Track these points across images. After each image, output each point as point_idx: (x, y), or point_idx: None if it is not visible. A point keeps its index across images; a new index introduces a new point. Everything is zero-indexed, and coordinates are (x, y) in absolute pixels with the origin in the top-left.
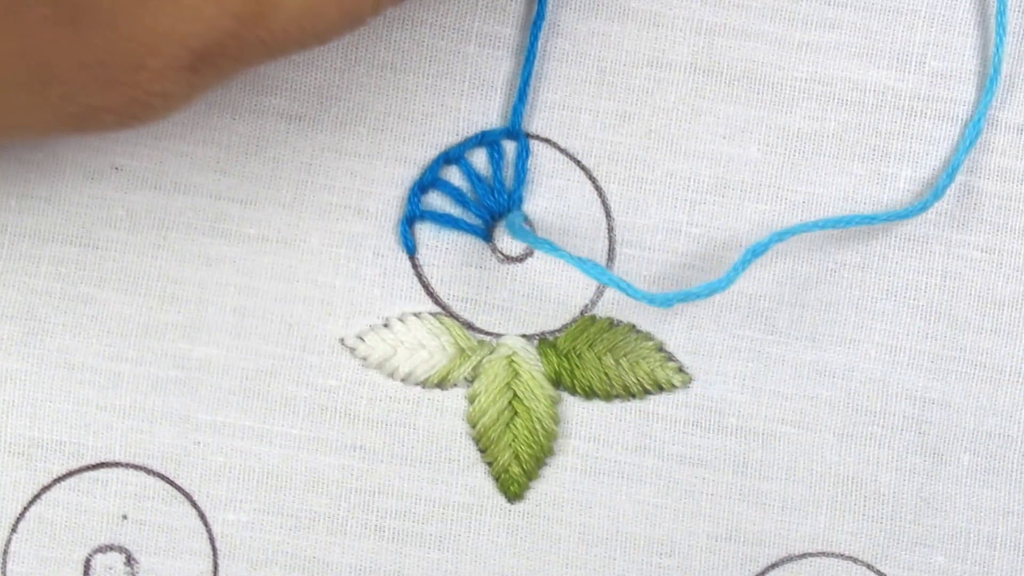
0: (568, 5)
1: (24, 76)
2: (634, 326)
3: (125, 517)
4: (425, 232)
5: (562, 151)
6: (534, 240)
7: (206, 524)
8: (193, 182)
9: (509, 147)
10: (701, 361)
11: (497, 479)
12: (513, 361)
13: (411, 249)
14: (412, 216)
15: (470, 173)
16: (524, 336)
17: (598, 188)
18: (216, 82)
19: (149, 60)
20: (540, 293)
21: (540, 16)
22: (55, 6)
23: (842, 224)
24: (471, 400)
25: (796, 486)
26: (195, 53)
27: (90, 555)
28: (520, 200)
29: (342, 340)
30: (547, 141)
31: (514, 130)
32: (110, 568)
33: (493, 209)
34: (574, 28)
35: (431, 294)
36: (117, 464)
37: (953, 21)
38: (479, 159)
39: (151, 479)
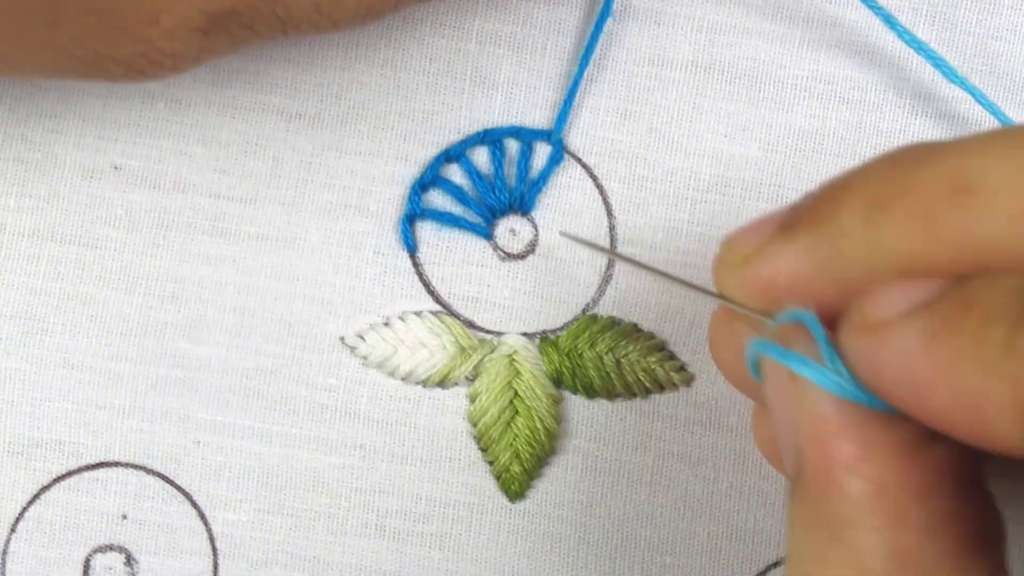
0: (570, 3)
1: (36, 13)
2: (636, 325)
3: (125, 517)
4: (426, 230)
5: (563, 149)
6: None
7: (206, 524)
8: (193, 181)
9: (511, 145)
10: (703, 360)
11: (498, 478)
12: (514, 360)
13: (412, 247)
14: (413, 214)
15: (471, 171)
16: (525, 335)
17: (599, 186)
18: (226, 49)
19: (163, 16)
20: (541, 291)
21: (605, 13)
22: None
23: None
24: (472, 399)
25: None
26: (209, 16)
27: (90, 555)
28: (533, 201)
29: (342, 339)
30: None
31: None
32: (110, 568)
33: (494, 207)
34: (576, 26)
35: (432, 292)
36: (117, 464)
37: (955, 19)
38: (480, 157)
39: (151, 479)
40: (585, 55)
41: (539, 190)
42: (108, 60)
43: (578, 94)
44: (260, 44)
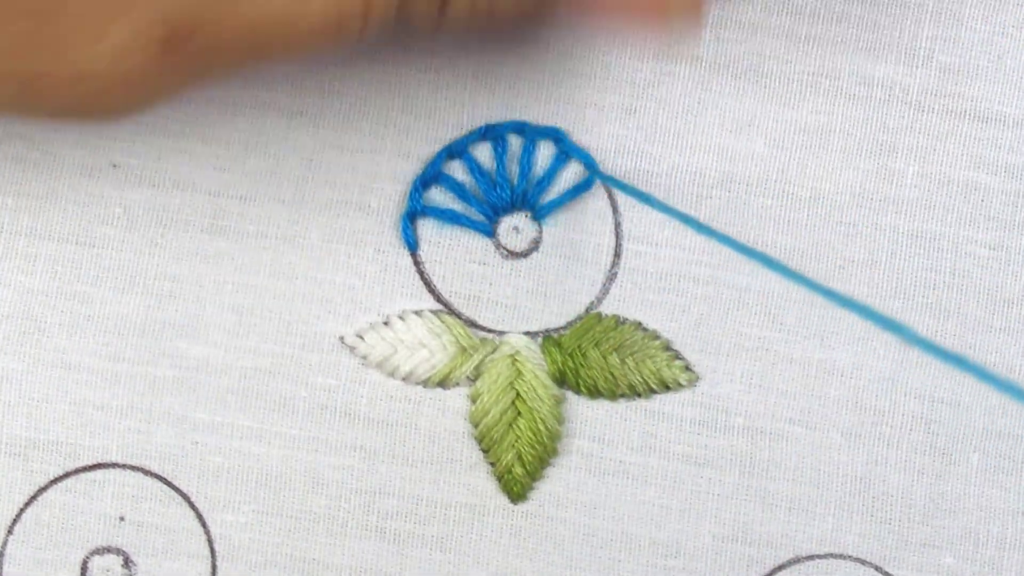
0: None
1: None
2: (640, 324)
3: (122, 519)
4: (427, 228)
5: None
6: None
7: (204, 525)
8: (192, 179)
9: (513, 141)
10: (708, 359)
11: (500, 480)
12: (516, 360)
13: (413, 245)
14: (414, 212)
15: (473, 167)
16: (528, 334)
17: (604, 183)
18: (188, 78)
19: (113, 27)
20: (544, 290)
21: None
22: None
23: None
24: (473, 400)
25: (803, 486)
26: (167, 26)
27: (87, 557)
28: (536, 197)
29: (342, 338)
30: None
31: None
32: (107, 570)
33: (497, 204)
34: (579, 23)
35: (433, 291)
36: (114, 465)
37: (961, 15)
38: (483, 153)
39: (149, 480)
40: None
41: (544, 188)
42: (47, 80)
43: (582, 91)
44: (225, 74)
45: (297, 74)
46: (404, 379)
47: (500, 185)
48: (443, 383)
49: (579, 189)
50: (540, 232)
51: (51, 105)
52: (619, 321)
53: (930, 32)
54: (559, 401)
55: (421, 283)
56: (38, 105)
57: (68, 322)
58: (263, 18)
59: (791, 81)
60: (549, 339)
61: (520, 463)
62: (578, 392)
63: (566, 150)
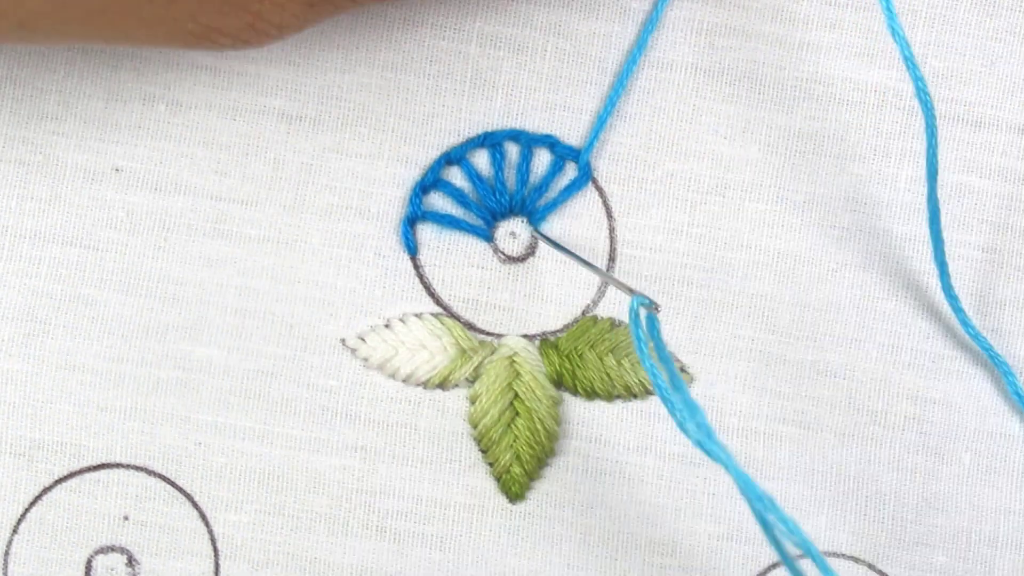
0: (569, 6)
1: None
2: None
3: (126, 518)
4: (427, 232)
5: (589, 171)
6: None
7: (207, 525)
8: (193, 183)
9: (511, 148)
10: (702, 361)
11: (499, 479)
12: (514, 361)
13: (412, 249)
14: (414, 216)
15: (471, 174)
16: (525, 336)
17: (599, 188)
18: (327, 17)
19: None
20: (541, 293)
21: (640, 46)
22: None
23: None
24: (472, 401)
25: (797, 486)
26: None
27: (91, 556)
28: (533, 204)
29: (343, 341)
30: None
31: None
32: (111, 569)
33: (495, 210)
34: (575, 28)
35: (432, 295)
36: (118, 465)
37: (954, 21)
38: (481, 160)
39: (152, 480)
40: (623, 75)
41: (540, 195)
42: (217, 33)
43: (579, 97)
44: (357, 10)
45: (297, 79)
46: (404, 380)
47: (498, 191)
48: (443, 384)
49: (573, 188)
50: (536, 237)
51: (214, 48)
52: (614, 324)
53: (923, 37)
54: (557, 402)
55: (421, 287)
56: (203, 48)
57: (72, 324)
58: None
59: (785, 87)
60: (546, 342)
61: (518, 463)
62: (575, 393)
63: (561, 153)
